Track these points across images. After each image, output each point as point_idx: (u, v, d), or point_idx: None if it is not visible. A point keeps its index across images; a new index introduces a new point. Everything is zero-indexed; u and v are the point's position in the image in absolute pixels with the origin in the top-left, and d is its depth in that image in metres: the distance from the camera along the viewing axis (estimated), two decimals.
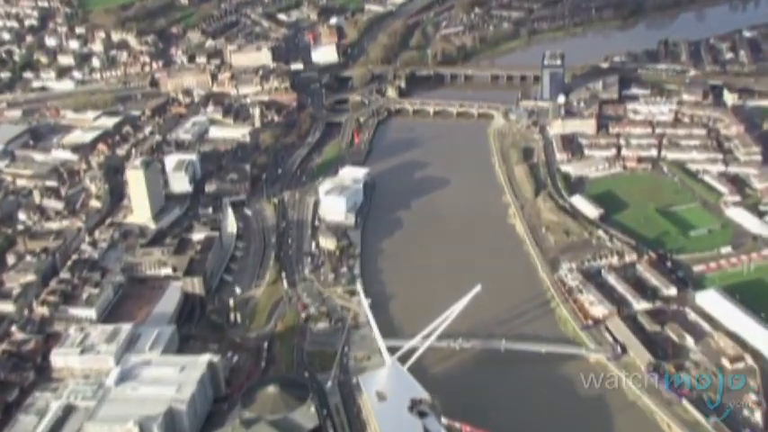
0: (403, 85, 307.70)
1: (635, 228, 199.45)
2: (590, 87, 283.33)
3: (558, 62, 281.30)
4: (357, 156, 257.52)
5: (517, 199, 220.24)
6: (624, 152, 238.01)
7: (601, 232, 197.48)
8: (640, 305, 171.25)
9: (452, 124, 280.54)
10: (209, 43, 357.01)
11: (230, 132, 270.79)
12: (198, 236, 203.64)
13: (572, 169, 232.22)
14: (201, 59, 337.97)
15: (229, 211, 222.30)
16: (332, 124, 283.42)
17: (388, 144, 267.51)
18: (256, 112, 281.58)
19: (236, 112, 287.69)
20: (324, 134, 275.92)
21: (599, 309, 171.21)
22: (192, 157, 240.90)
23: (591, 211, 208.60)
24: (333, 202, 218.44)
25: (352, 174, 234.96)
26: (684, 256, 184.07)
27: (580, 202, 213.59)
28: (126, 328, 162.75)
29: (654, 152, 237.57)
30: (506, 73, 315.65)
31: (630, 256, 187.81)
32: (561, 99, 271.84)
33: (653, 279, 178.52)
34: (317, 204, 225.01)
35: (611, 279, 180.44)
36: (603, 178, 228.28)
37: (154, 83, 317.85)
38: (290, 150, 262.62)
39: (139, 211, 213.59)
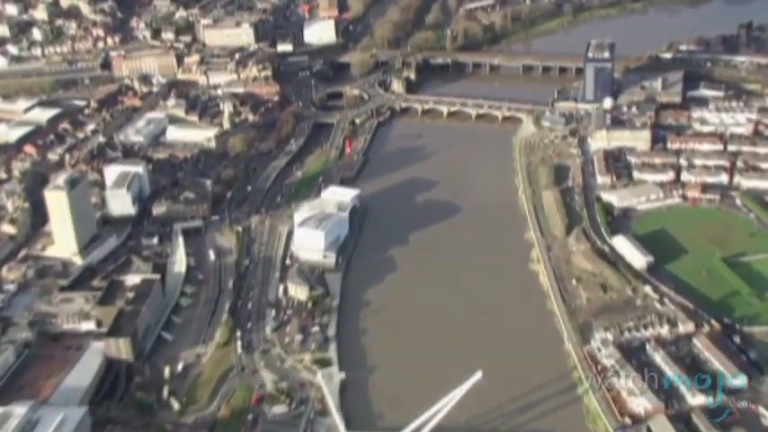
0: (413, 76, 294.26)
1: (694, 284, 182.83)
2: (646, 86, 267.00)
3: (606, 54, 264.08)
4: (348, 170, 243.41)
5: (543, 237, 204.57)
6: (685, 177, 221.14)
7: (648, 289, 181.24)
8: (696, 399, 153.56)
9: (470, 130, 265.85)
10: (180, 14, 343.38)
11: (193, 134, 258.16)
12: (134, 278, 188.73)
13: (616, 198, 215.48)
14: (168, 35, 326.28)
15: (180, 241, 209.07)
16: (321, 126, 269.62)
17: (387, 154, 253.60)
18: (227, 108, 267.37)
19: (203, 107, 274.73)
20: (309, 139, 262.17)
21: (640, 401, 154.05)
22: (139, 169, 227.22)
23: (637, 258, 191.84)
24: (309, 236, 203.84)
25: (338, 196, 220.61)
26: (760, 329, 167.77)
27: (623, 246, 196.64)
28: (19, 412, 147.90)
29: (724, 178, 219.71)
30: (542, 63, 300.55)
31: (686, 326, 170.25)
32: (608, 102, 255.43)
33: (715, 361, 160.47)
34: (290, 236, 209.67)
35: (659, 358, 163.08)
36: (656, 212, 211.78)
37: (106, 64, 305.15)
38: (264, 160, 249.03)
39: (62, 241, 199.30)
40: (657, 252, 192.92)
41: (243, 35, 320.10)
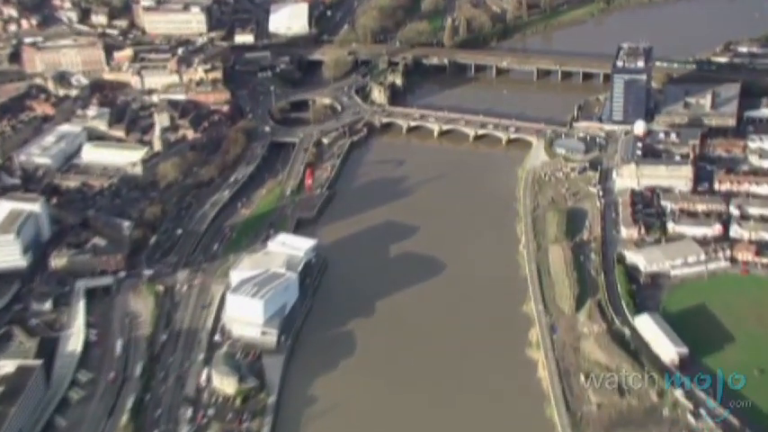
0: (399, 81, 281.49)
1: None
2: (691, 103, 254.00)
3: (641, 63, 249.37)
4: (306, 209, 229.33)
5: (546, 311, 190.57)
6: (735, 231, 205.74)
7: (679, 394, 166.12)
8: None
9: (465, 155, 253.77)
10: None
11: (115, 156, 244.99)
12: (7, 365, 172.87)
13: (643, 260, 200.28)
14: (99, 19, 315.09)
15: (81, 306, 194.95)
16: (279, 146, 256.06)
17: (358, 188, 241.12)
18: (160, 122, 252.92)
19: (133, 118, 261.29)
20: (263, 164, 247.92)
21: None
22: (35, 207, 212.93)
23: (666, 347, 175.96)
24: (245, 306, 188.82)
25: (289, 248, 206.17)
26: None
27: (649, 329, 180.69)
28: None
29: None
30: (562, 67, 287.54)
31: None
32: (640, 127, 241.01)
33: None
34: (224, 301, 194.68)
35: None
36: (695, 281, 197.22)
37: (16, 56, 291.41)
38: (203, 193, 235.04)
39: None
40: (694, 338, 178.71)
41: (193, 22, 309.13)
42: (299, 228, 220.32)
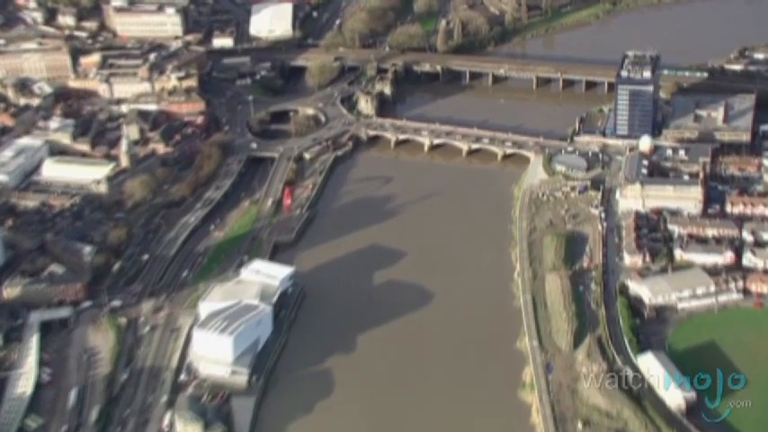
0: (388, 90, 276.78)
1: None
2: (701, 116, 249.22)
3: (647, 73, 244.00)
4: (284, 231, 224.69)
5: (542, 348, 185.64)
6: (749, 259, 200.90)
7: None
8: None
9: (458, 172, 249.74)
10: None
11: (78, 172, 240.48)
12: None
13: (647, 291, 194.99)
14: (67, 20, 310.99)
15: (34, 341, 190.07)
16: (257, 161, 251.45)
17: (341, 208, 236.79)
18: (128, 135, 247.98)
19: (100, 131, 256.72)
20: (239, 181, 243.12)
21: None
22: None
23: (671, 391, 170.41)
24: (212, 343, 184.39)
25: (264, 276, 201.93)
26: None
27: (653, 369, 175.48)
28: None
29: None
30: (563, 75, 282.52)
31: None
32: (646, 142, 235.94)
33: None
34: (191, 337, 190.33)
35: None
36: (704, 315, 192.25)
37: None
38: (173, 214, 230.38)
39: None
40: (703, 379, 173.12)
41: (167, 24, 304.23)
42: (276, 252, 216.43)
